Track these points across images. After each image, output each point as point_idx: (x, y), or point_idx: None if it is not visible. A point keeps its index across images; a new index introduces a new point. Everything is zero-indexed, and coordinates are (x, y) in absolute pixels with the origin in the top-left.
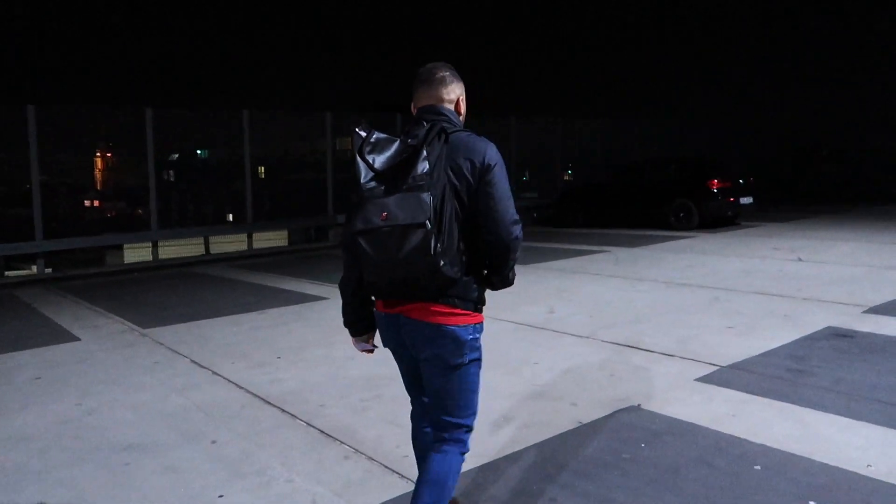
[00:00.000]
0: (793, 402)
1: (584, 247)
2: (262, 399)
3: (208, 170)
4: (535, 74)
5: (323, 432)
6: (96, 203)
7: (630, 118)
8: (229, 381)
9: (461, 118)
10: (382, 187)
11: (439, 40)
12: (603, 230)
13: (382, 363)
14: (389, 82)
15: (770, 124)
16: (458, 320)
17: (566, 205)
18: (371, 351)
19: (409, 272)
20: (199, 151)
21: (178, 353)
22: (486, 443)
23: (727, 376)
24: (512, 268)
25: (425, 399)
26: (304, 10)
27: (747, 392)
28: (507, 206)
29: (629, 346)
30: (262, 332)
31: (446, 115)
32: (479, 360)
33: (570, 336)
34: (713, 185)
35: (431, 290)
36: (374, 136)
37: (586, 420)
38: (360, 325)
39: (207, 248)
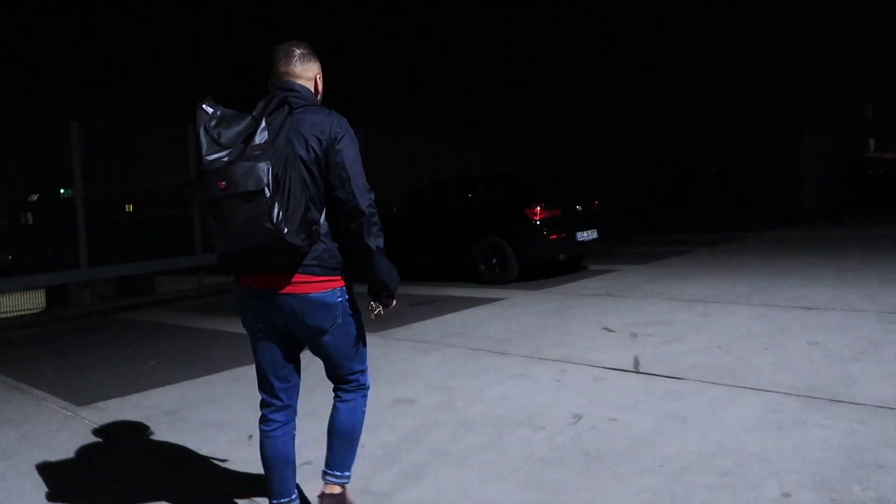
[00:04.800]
0: None
1: None
2: None
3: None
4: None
5: None
6: None
7: (479, 128)
8: None
9: (319, 96)
10: (225, 159)
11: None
12: None
13: None
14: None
15: (648, 138)
16: (322, 287)
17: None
18: None
19: (253, 240)
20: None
21: None
22: None
23: None
24: (375, 241)
25: (285, 383)
26: None
27: None
28: (358, 175)
29: None
30: None
31: (299, 91)
32: (355, 314)
33: None
34: (534, 214)
35: (282, 260)
36: (220, 111)
37: None
38: None
39: None
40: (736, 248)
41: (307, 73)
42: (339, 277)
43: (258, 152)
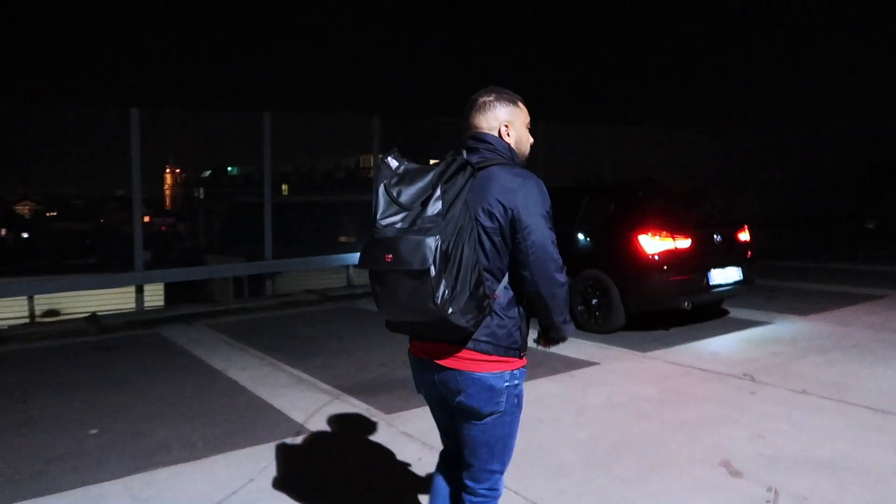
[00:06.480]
0: None
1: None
2: None
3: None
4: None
5: None
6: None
7: (633, 124)
8: None
9: (516, 146)
10: (397, 225)
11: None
12: None
13: None
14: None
15: (832, 133)
16: (490, 367)
17: None
18: None
19: (416, 316)
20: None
21: None
22: None
23: None
24: (560, 317)
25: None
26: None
27: None
28: (545, 252)
29: None
30: None
31: (490, 144)
32: (517, 406)
33: None
34: (651, 244)
35: (448, 336)
36: (404, 167)
37: None
38: None
39: None
40: None
41: (492, 122)
42: (513, 359)
43: (429, 225)
